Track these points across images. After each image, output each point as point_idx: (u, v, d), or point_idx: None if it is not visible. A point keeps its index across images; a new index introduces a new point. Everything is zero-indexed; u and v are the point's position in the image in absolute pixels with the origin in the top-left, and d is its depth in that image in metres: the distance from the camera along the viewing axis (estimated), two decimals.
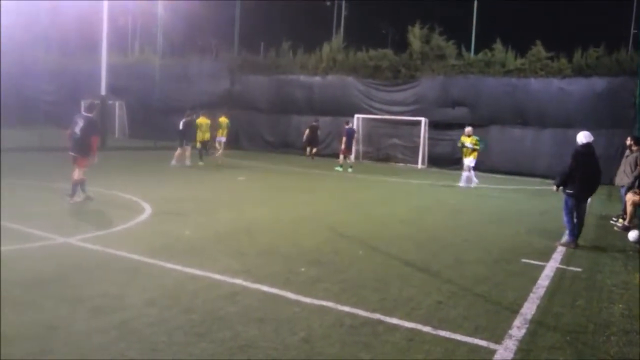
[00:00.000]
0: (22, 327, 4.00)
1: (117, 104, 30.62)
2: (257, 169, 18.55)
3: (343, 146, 19.63)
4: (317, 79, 25.78)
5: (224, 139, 19.91)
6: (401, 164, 23.08)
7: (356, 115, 24.10)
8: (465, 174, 15.81)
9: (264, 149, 26.87)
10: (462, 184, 15.68)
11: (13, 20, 27.35)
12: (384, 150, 24.12)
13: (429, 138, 22.80)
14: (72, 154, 9.72)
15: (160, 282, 5.28)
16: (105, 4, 22.60)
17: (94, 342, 3.81)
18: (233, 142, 26.67)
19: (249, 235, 7.62)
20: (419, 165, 22.62)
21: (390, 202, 12.31)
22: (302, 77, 26.09)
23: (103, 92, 23.07)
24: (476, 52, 23.09)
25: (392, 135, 23.97)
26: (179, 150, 17.64)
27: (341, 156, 19.70)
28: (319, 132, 23.16)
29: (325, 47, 26.16)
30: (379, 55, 24.58)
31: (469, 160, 15.47)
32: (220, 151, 19.81)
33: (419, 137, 22.79)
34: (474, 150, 15.38)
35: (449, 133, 22.71)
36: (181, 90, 28.34)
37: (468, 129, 15.68)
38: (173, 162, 17.48)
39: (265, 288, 5.23)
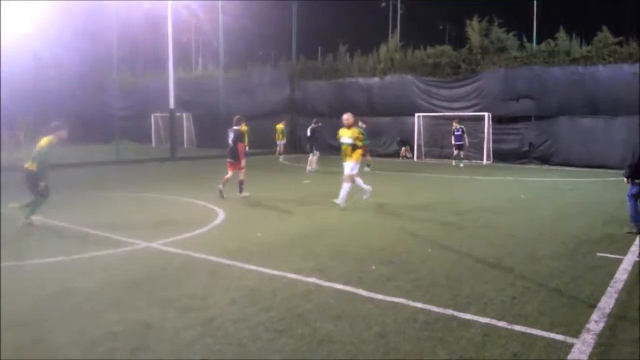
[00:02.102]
0: (123, 324, 4.35)
1: (184, 115, 31.93)
2: (319, 172, 18.82)
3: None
4: (376, 80, 25.79)
5: (284, 142, 22.32)
6: (466, 161, 22.63)
7: (417, 114, 23.90)
8: (345, 187, 10.47)
9: (327, 152, 27.11)
10: (340, 201, 10.50)
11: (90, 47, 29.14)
12: (447, 148, 23.77)
13: (494, 133, 22.27)
14: (230, 160, 11.82)
15: (239, 282, 5.53)
16: (169, 23, 23.68)
17: (184, 338, 4.08)
18: (296, 147, 27.27)
19: (320, 237, 7.80)
20: (484, 161, 22.12)
21: (457, 200, 12.16)
22: (361, 80, 26.19)
23: (172, 105, 24.18)
24: (538, 42, 22.32)
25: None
26: (310, 156, 18.61)
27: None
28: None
29: (383, 48, 26.14)
30: (438, 52, 24.29)
31: (350, 166, 10.43)
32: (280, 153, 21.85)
33: (482, 132, 22.31)
34: (354, 148, 10.39)
35: (514, 127, 22.13)
36: (244, 100, 29.15)
37: (346, 116, 10.48)
38: (308, 167, 18.41)
39: (338, 286, 5.36)
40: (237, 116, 12.12)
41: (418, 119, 24.03)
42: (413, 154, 24.24)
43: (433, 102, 24.14)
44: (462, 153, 20.97)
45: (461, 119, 21.96)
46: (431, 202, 11.62)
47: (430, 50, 24.60)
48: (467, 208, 10.78)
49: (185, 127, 32.34)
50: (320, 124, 19.53)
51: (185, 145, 32.27)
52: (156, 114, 34.08)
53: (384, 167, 20.18)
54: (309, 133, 18.67)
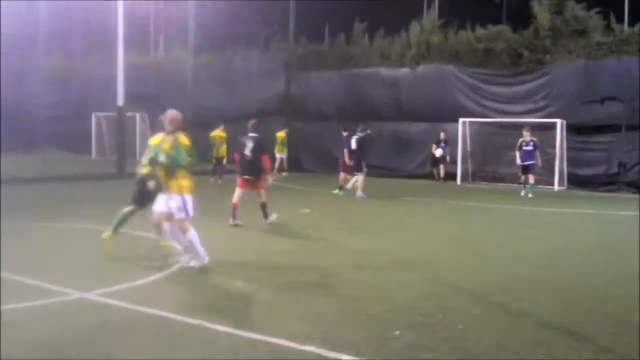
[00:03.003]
0: None
1: (138, 116, 32.16)
2: (324, 198, 18.77)
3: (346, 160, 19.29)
4: (405, 71, 25.99)
5: (285, 155, 23.83)
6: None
7: (461, 120, 23.99)
8: (183, 240, 8.85)
9: (334, 170, 27.13)
10: (193, 263, 8.76)
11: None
12: (505, 167, 23.76)
13: (569, 148, 22.28)
14: (246, 177, 12.57)
15: (208, 350, 5.49)
16: None
17: None
18: (291, 162, 27.32)
19: (323, 288, 7.78)
20: (556, 187, 22.09)
21: (515, 240, 12.14)
22: (384, 70, 26.39)
23: (120, 101, 24.38)
24: (631, 23, 22.47)
25: (513, 146, 23.54)
26: (357, 177, 18.91)
27: (341, 175, 19.67)
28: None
29: (415, 28, 26.38)
30: (491, 34, 24.50)
31: (174, 204, 8.69)
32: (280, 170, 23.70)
33: (553, 146, 22.33)
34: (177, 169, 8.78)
35: (598, 139, 22.16)
36: (222, 97, 29.38)
37: (171, 115, 9.40)
38: (359, 193, 18.65)
39: (346, 357, 5.33)
40: (254, 121, 13.02)
41: (463, 126, 24.09)
42: (457, 175, 24.24)
43: (484, 103, 24.25)
44: (532, 177, 19.69)
45: (520, 128, 22.08)
46: (478, 242, 11.57)
47: (480, 31, 24.81)
48: (529, 251, 10.74)
49: (138, 133, 32.50)
50: (369, 131, 20.04)
51: (138, 158, 32.34)
52: (99, 114, 34.30)
53: (411, 191, 20.15)
54: (354, 145, 18.95)
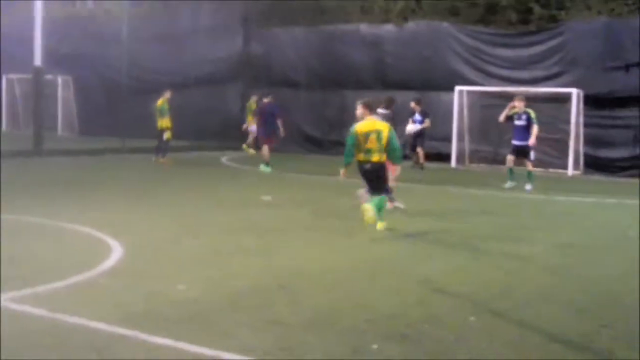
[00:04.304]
0: None
1: (60, 80, 31.77)
2: (289, 182, 18.76)
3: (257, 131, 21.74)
4: (390, 28, 26.04)
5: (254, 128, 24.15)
6: (538, 169, 22.80)
7: (457, 88, 24.05)
8: None
9: (302, 147, 27.14)
10: None
11: None
12: (509, 146, 23.84)
13: (586, 124, 22.45)
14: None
15: None
16: None
17: None
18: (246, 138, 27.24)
19: (287, 293, 7.75)
20: (570, 171, 22.30)
21: (520, 235, 12.16)
22: (364, 27, 26.39)
23: (38, 61, 24.01)
24: None
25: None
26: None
27: (265, 147, 21.03)
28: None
29: None
30: None
31: None
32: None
33: (567, 122, 22.49)
34: None
35: (620, 114, 22.33)
36: (164, 57, 29.13)
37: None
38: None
39: None
40: (389, 97, 14.90)
41: (459, 96, 24.15)
42: (451, 156, 24.28)
43: (485, 68, 24.39)
44: (529, 163, 18.36)
45: (530, 100, 22.20)
46: (476, 238, 11.63)
47: None
48: (536, 249, 10.80)
49: (60, 100, 32.21)
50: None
51: (60, 132, 32.05)
52: (11, 76, 33.81)
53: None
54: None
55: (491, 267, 9.50)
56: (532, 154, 18.35)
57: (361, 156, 11.57)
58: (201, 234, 11.29)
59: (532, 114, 17.97)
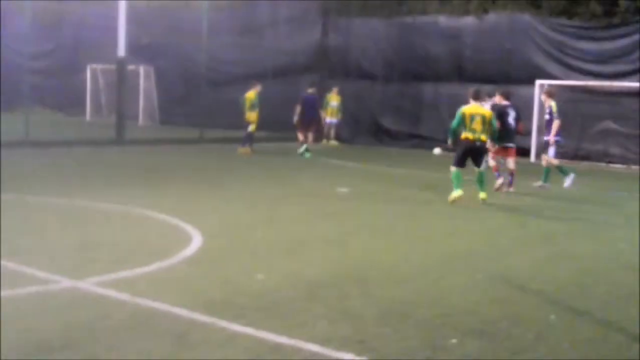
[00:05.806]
0: None
1: (142, 70, 32.30)
2: (367, 175, 18.74)
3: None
4: (469, 21, 25.82)
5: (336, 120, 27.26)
6: (620, 166, 22.32)
7: (538, 82, 23.68)
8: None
9: (379, 141, 27.10)
10: None
11: None
12: (591, 142, 23.42)
13: None
14: (509, 145, 16.03)
15: (223, 353, 5.52)
16: None
17: None
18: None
19: (362, 286, 7.75)
20: None
21: (602, 233, 12.00)
22: (443, 20, 26.22)
23: (122, 52, 24.43)
24: None
25: (603, 116, 23.32)
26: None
27: (299, 135, 23.04)
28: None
29: None
30: None
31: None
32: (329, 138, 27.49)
33: None
34: None
35: None
36: (243, 48, 29.35)
37: None
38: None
39: None
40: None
41: (540, 90, 23.71)
42: (530, 151, 23.97)
43: (568, 62, 23.97)
44: (545, 158, 17.45)
45: (613, 94, 21.70)
46: (554, 234, 11.50)
47: None
48: (619, 247, 10.59)
49: (142, 90, 32.73)
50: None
51: (141, 121, 32.60)
52: (95, 66, 34.50)
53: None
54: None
55: (572, 265, 9.36)
56: (551, 150, 17.25)
57: (470, 135, 13.54)
58: (278, 223, 11.44)
59: (554, 108, 17.09)
